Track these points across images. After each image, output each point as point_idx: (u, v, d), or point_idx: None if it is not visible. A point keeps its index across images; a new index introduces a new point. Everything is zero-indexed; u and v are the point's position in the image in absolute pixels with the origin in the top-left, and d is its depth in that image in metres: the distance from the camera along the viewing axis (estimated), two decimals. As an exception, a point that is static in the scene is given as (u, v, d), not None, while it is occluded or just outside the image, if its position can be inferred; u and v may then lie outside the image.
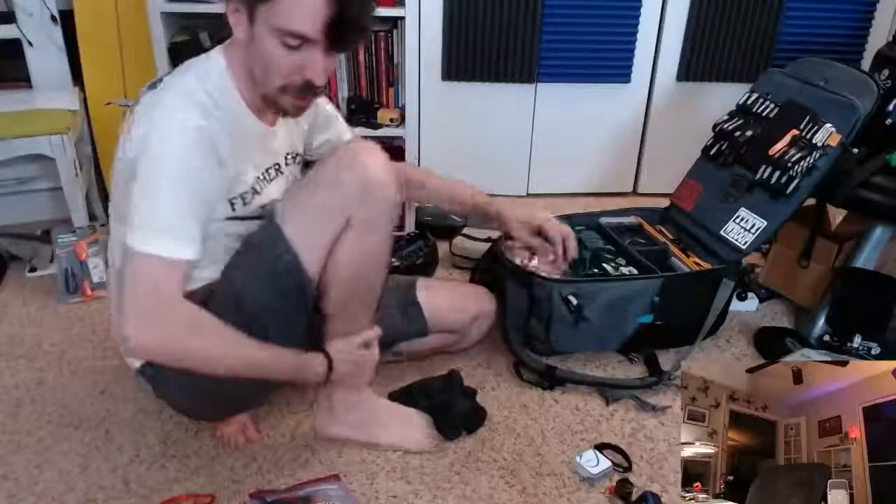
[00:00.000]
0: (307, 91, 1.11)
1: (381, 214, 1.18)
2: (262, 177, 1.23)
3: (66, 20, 2.19)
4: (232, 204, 1.18)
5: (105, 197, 2.37)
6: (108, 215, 2.33)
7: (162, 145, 1.04)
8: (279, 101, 1.13)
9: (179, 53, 2.26)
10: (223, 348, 1.09)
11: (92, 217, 2.18)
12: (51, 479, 1.30)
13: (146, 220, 1.04)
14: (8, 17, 2.15)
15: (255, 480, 1.30)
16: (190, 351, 1.07)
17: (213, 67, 1.13)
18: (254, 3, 1.03)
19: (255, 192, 1.21)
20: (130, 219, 1.04)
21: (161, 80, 1.13)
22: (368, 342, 1.27)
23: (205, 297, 1.18)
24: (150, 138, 1.05)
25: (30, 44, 2.19)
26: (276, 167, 1.27)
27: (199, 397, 1.28)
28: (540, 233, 1.57)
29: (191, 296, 1.16)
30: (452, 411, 1.41)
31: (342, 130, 1.45)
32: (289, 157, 1.31)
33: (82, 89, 2.25)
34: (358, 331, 1.26)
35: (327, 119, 1.42)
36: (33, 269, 2.01)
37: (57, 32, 2.20)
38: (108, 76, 2.26)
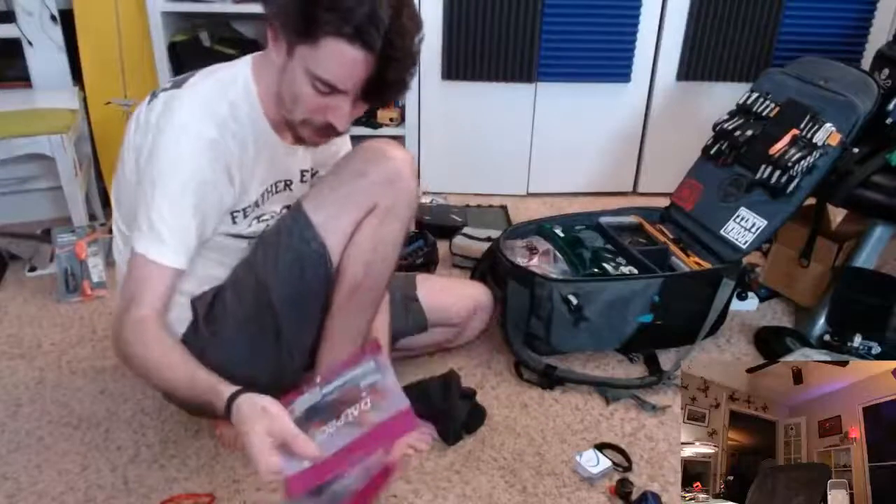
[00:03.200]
0: (328, 131, 1.12)
1: (403, 203, 1.21)
2: (268, 190, 1.22)
3: (66, 20, 2.19)
4: (233, 217, 1.17)
5: (105, 196, 2.37)
6: (106, 214, 2.34)
7: (176, 152, 1.04)
8: (299, 130, 1.13)
9: (179, 53, 2.27)
10: (159, 364, 1.04)
11: (92, 216, 2.18)
12: (50, 478, 1.30)
13: (149, 223, 1.04)
14: (8, 17, 2.15)
15: (255, 480, 1.30)
16: (133, 357, 1.05)
17: (239, 77, 1.12)
18: (294, 41, 1.01)
19: (257, 205, 1.21)
20: (138, 219, 1.05)
21: (184, 80, 1.10)
22: (287, 441, 0.88)
23: (216, 293, 1.19)
24: (165, 143, 1.04)
25: (30, 43, 2.19)
26: (287, 183, 1.26)
27: None
28: None
29: (201, 296, 1.17)
30: (452, 418, 1.40)
31: None
32: (306, 174, 1.30)
33: (82, 89, 2.25)
34: (354, 335, 1.25)
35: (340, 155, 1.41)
36: (33, 269, 2.01)
37: (57, 32, 2.20)
38: (108, 76, 2.26)
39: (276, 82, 1.09)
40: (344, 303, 1.23)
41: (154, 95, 1.11)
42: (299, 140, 1.17)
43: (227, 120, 1.07)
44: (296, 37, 1.00)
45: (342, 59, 0.99)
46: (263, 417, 0.89)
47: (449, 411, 1.40)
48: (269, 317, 1.19)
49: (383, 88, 1.04)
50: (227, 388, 0.95)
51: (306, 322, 1.23)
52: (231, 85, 1.10)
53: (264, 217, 1.23)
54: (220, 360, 1.09)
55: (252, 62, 1.14)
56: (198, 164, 1.05)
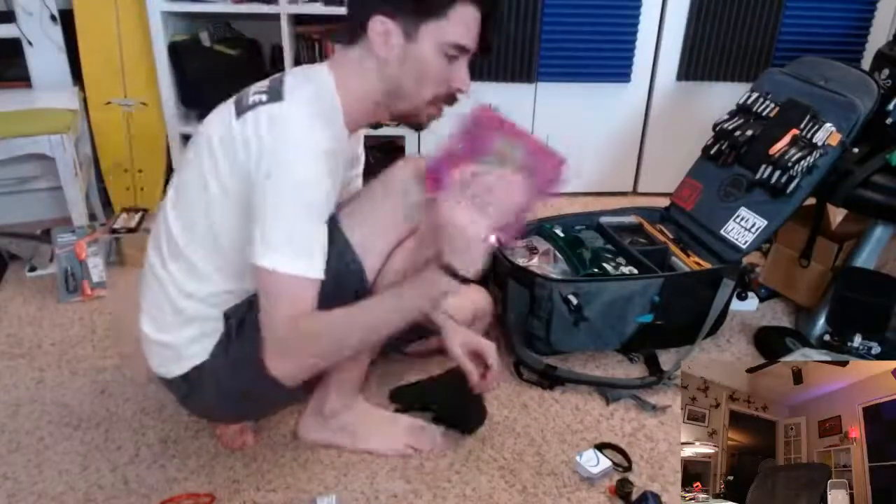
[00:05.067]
0: (449, 100, 1.19)
1: None
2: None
3: (66, 20, 2.19)
4: None
5: (105, 196, 2.37)
6: (106, 214, 2.34)
7: (299, 167, 1.03)
8: (421, 113, 1.18)
9: (179, 53, 2.26)
10: (354, 330, 1.10)
11: (91, 216, 2.18)
12: (50, 478, 1.30)
13: (287, 240, 1.03)
14: (8, 17, 2.15)
15: (255, 480, 1.30)
16: (317, 341, 1.09)
17: (324, 85, 1.12)
18: (420, 21, 1.08)
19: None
20: (266, 236, 1.03)
21: (278, 91, 1.08)
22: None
23: (249, 303, 1.16)
24: (290, 159, 1.03)
25: (30, 43, 2.19)
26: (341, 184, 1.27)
27: (239, 402, 1.27)
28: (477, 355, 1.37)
29: (236, 308, 1.17)
30: (467, 409, 1.41)
31: (361, 174, 1.44)
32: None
33: (82, 89, 2.25)
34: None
35: (361, 158, 1.41)
36: (33, 269, 2.01)
37: (57, 32, 2.20)
38: (108, 76, 2.26)
39: (388, 78, 1.13)
40: None
41: (242, 108, 1.08)
42: (416, 127, 1.22)
43: (328, 130, 1.08)
44: (426, 16, 1.08)
45: (470, 20, 1.11)
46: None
47: (462, 400, 1.39)
48: None
49: (490, 34, 1.16)
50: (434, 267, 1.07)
51: None
52: (321, 97, 1.11)
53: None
54: (248, 369, 1.09)
55: (331, 68, 1.14)
56: (321, 176, 1.05)
